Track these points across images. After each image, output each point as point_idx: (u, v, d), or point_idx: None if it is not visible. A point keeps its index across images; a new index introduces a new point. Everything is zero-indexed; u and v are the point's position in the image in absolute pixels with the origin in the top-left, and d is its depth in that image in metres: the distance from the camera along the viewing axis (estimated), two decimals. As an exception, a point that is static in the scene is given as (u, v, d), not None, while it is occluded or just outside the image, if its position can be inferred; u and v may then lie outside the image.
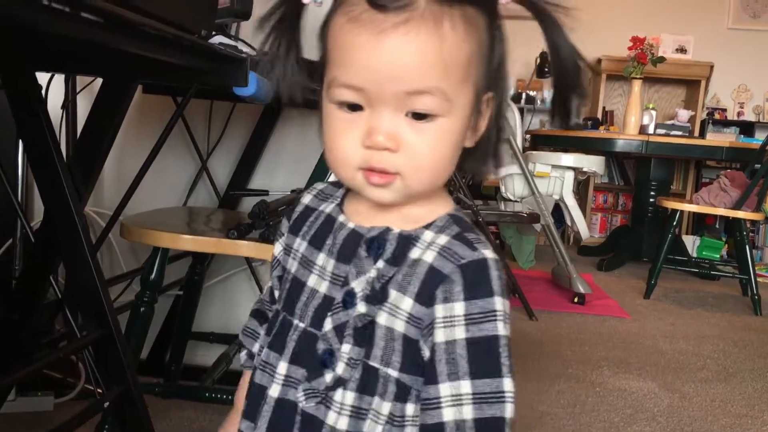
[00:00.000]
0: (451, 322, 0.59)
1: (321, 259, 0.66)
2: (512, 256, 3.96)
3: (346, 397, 0.62)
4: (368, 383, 0.61)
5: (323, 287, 0.65)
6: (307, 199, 0.72)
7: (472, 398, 0.59)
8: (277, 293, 0.73)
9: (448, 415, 0.59)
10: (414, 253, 0.62)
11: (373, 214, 0.65)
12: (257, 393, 0.67)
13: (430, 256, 0.61)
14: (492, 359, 0.60)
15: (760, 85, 5.42)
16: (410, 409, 0.62)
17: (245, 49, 1.10)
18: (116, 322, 1.09)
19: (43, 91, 1.50)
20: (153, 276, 1.43)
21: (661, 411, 2.09)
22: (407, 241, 0.63)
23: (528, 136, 4.88)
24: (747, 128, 5.25)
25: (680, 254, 4.14)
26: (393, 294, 0.61)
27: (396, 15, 0.56)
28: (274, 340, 0.67)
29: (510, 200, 3.57)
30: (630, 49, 4.42)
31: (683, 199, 4.39)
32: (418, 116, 0.59)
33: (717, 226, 4.76)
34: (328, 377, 0.62)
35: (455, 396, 0.59)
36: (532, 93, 5.35)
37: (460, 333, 0.59)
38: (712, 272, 4.06)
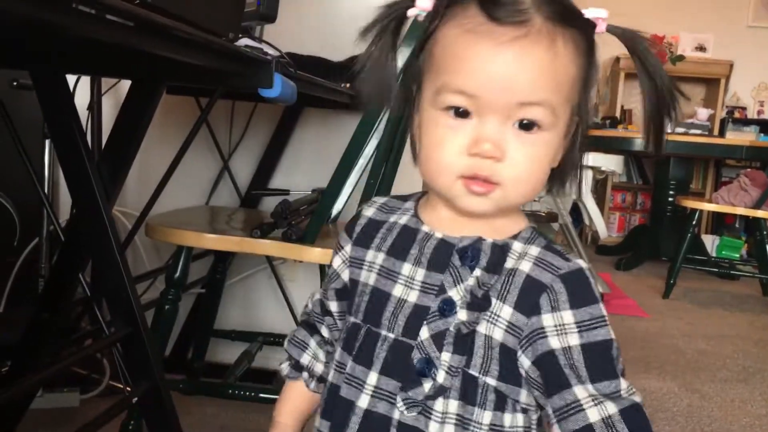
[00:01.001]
0: (564, 330, 0.61)
1: (407, 269, 0.66)
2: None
3: (448, 406, 0.62)
4: (468, 392, 0.62)
5: (413, 296, 0.64)
6: (369, 212, 0.72)
7: (605, 397, 0.60)
8: (333, 305, 0.73)
9: (593, 415, 0.59)
10: (509, 263, 0.63)
11: (459, 224, 0.65)
12: (344, 407, 0.65)
13: (526, 266, 0.63)
14: (607, 362, 0.61)
15: (780, 84, 5.38)
16: (507, 419, 0.63)
17: (270, 51, 1.12)
18: (143, 320, 1.11)
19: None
20: (177, 274, 1.46)
21: (680, 411, 2.09)
22: (501, 250, 0.64)
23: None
24: (767, 127, 5.21)
25: (699, 253, 4.12)
26: (493, 302, 0.62)
27: (514, 29, 0.58)
28: (359, 353, 0.66)
29: (528, 199, 3.57)
30: (649, 47, 4.39)
31: (703, 199, 4.36)
32: (525, 127, 0.60)
33: (737, 225, 4.73)
34: (427, 386, 0.62)
35: (592, 396, 0.60)
36: (550, 92, 5.34)
37: (574, 340, 0.60)
38: (731, 272, 4.04)
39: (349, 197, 1.65)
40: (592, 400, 0.60)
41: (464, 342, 0.62)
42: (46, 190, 1.81)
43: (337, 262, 0.73)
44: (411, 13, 0.63)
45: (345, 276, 0.71)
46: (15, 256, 1.81)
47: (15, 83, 1.67)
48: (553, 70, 0.60)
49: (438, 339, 0.62)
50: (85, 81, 1.78)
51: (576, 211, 3.81)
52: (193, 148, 2.00)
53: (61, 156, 1.08)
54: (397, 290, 0.65)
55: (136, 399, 1.08)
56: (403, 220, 0.69)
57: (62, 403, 1.73)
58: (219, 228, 1.61)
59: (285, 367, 0.78)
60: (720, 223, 4.99)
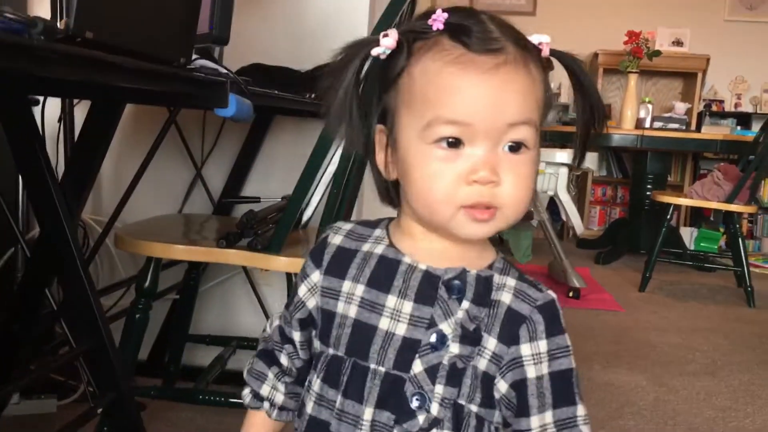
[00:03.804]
0: (539, 359, 0.65)
1: (392, 301, 0.66)
2: (510, 250, 4.01)
3: None
4: (458, 421, 0.65)
5: (401, 329, 0.65)
6: (337, 239, 0.72)
7: (554, 425, 0.65)
8: (296, 335, 0.75)
9: None
10: (493, 294, 0.66)
11: (440, 254, 0.67)
12: None
13: (506, 298, 0.66)
14: (569, 389, 0.66)
15: (756, 76, 5.45)
16: None
17: (224, 71, 1.16)
18: (109, 333, 1.15)
19: (40, 105, 1.56)
20: (147, 284, 1.49)
21: (646, 405, 2.14)
22: (486, 282, 0.67)
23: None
24: (744, 119, 5.29)
25: (678, 246, 4.18)
26: (483, 335, 0.65)
27: (494, 57, 0.61)
28: (348, 388, 0.67)
29: (505, 197, 3.61)
30: (625, 43, 4.45)
31: (679, 193, 4.42)
32: (514, 149, 0.63)
33: (713, 218, 4.79)
34: (422, 419, 0.64)
35: (542, 426, 0.65)
36: (530, 88, 5.38)
37: (545, 368, 0.65)
38: (706, 264, 4.10)
39: (318, 203, 1.69)
40: (541, 429, 0.65)
41: (457, 374, 0.65)
42: (21, 199, 1.84)
43: (302, 291, 0.73)
44: (375, 52, 0.64)
45: (311, 305, 0.72)
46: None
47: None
48: (533, 90, 0.64)
49: (431, 372, 0.65)
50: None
51: (555, 207, 3.86)
52: (166, 157, 2.05)
53: (25, 178, 1.11)
54: (384, 323, 0.66)
55: (101, 409, 1.12)
56: (379, 249, 0.70)
57: (39, 410, 1.76)
58: (189, 237, 1.65)
59: (247, 395, 0.80)
60: (698, 215, 5.06)
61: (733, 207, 3.54)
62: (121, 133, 1.99)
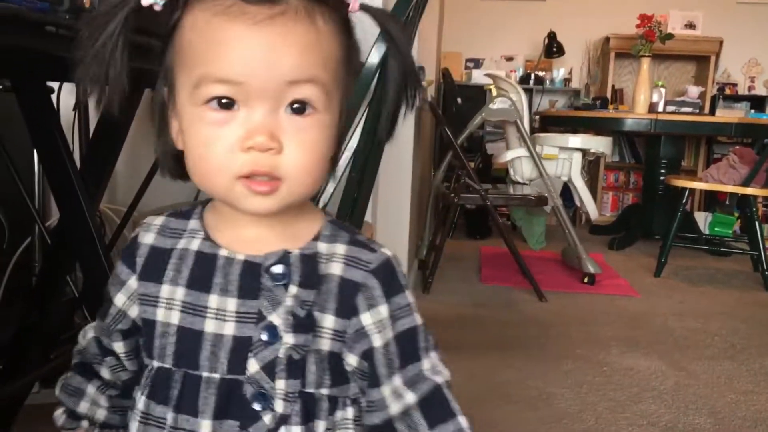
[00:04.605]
0: (382, 325, 0.61)
1: (214, 300, 0.60)
2: (523, 237, 3.99)
3: (291, 431, 0.60)
4: (308, 410, 0.60)
5: (229, 329, 0.60)
6: (148, 238, 0.65)
7: (404, 386, 0.62)
8: (119, 346, 0.67)
9: (394, 408, 0.62)
10: (321, 269, 0.61)
11: (258, 239, 0.61)
12: None
13: (337, 268, 0.61)
14: (413, 347, 0.63)
15: (770, 59, 5.40)
16: (339, 415, 0.63)
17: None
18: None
19: (55, 94, 1.56)
20: (166, 271, 1.48)
21: (667, 389, 2.13)
22: (310, 259, 0.61)
23: (537, 117, 4.90)
24: (758, 102, 5.24)
25: (692, 231, 4.16)
26: (317, 316, 0.60)
27: (269, 8, 0.54)
28: (180, 402, 0.60)
29: (519, 183, 3.60)
30: (637, 27, 4.41)
31: (693, 177, 4.39)
32: (298, 111, 0.56)
33: (728, 202, 4.76)
34: (267, 419, 0.59)
35: (394, 390, 0.62)
36: (540, 73, 5.35)
37: (389, 333, 0.62)
38: (722, 249, 4.07)
39: (336, 186, 1.66)
40: (395, 394, 0.62)
41: (298, 365, 0.60)
42: (37, 189, 1.85)
43: (120, 300, 0.65)
44: (146, 2, 0.56)
45: (133, 314, 0.65)
46: (7, 257, 1.84)
47: (1, 87, 1.70)
48: (319, 46, 0.56)
49: (269, 369, 0.59)
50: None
51: (569, 192, 3.84)
52: (180, 144, 2.04)
53: (45, 164, 1.10)
54: (210, 326, 0.60)
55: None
56: (195, 245, 0.63)
57: (59, 399, 1.77)
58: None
59: (60, 416, 0.70)
60: (713, 200, 5.02)
61: (749, 190, 3.51)
62: (136, 123, 1.99)
